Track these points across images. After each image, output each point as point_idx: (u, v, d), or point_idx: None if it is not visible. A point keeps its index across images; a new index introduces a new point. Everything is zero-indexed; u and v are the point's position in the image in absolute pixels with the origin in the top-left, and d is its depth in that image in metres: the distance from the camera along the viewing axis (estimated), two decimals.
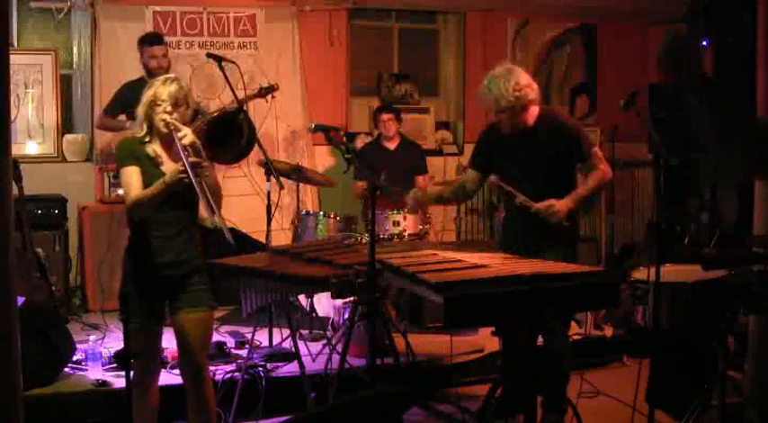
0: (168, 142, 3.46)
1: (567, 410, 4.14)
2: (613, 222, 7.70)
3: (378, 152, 6.58)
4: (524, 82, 4.13)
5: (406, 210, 5.73)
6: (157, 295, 3.55)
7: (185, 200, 3.48)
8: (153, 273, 3.50)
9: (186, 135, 3.37)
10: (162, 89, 3.42)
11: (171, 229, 3.51)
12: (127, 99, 5.69)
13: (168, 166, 3.45)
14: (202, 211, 3.53)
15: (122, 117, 5.83)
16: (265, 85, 5.86)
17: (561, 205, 4.12)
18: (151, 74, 5.65)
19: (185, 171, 3.26)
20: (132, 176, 3.42)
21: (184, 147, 3.33)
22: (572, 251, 4.21)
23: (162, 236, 3.49)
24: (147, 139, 3.49)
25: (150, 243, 3.49)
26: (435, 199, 4.77)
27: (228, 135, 3.87)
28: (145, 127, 3.48)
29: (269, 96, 5.78)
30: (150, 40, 5.82)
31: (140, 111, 3.49)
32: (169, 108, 3.40)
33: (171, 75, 3.58)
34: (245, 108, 3.44)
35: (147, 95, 3.46)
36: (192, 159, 3.29)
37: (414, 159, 6.67)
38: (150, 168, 3.46)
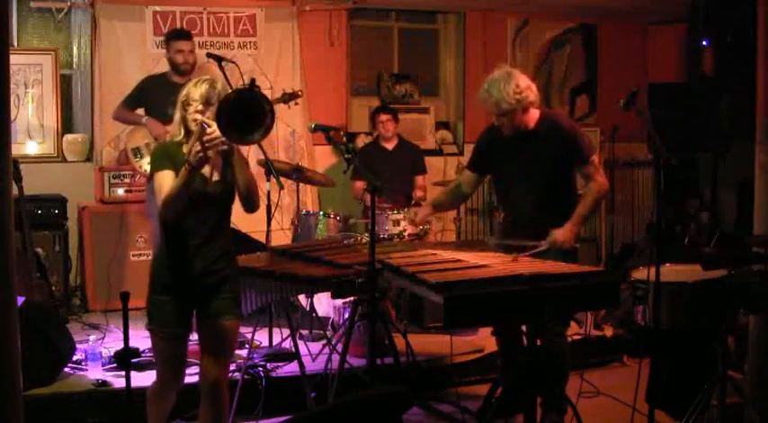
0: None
1: (566, 410, 4.14)
2: (613, 222, 7.70)
3: (376, 153, 6.58)
4: (524, 85, 4.14)
5: (406, 210, 5.73)
6: (187, 303, 3.49)
7: (216, 207, 3.45)
8: (183, 281, 3.44)
9: (215, 130, 3.25)
10: (193, 90, 3.41)
11: (201, 238, 3.43)
12: (148, 92, 5.70)
13: (206, 170, 3.37)
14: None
15: (140, 111, 5.77)
16: (289, 90, 5.85)
17: (566, 233, 4.12)
18: (177, 69, 5.66)
19: (203, 148, 3.20)
20: (165, 180, 3.34)
21: (203, 124, 3.26)
22: (570, 253, 4.21)
23: (193, 244, 3.42)
24: (184, 141, 3.43)
25: (181, 252, 3.42)
26: (434, 211, 4.75)
27: (250, 114, 3.87)
28: (182, 130, 3.44)
29: (291, 103, 5.76)
30: (177, 35, 5.78)
31: (176, 115, 3.46)
32: (200, 107, 3.37)
33: (205, 76, 3.57)
34: (256, 84, 3.43)
35: (180, 97, 3.44)
36: (209, 131, 3.22)
37: (412, 160, 6.67)
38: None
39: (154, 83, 5.74)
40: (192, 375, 4.52)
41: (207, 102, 3.37)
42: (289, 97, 5.79)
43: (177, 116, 3.46)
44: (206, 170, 3.33)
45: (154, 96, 5.56)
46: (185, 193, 3.28)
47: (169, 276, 3.43)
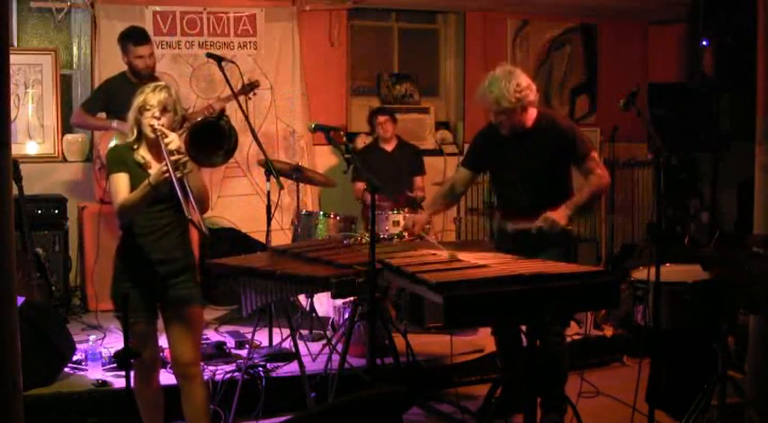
0: (156, 148, 3.55)
1: (566, 410, 4.14)
2: (613, 222, 7.70)
3: (375, 155, 6.58)
4: (525, 84, 4.14)
5: (406, 210, 5.73)
6: (152, 291, 3.65)
7: (174, 201, 3.53)
8: (145, 269, 3.60)
9: (173, 141, 3.47)
10: (151, 96, 3.54)
11: (159, 230, 3.60)
12: (110, 95, 5.64)
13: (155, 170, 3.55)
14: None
15: (101, 114, 5.75)
16: (252, 82, 5.84)
17: (558, 215, 4.12)
18: (137, 74, 5.60)
19: (168, 171, 3.37)
20: (120, 183, 3.53)
21: (169, 150, 3.43)
22: (565, 253, 4.21)
23: (151, 235, 3.59)
24: (135, 146, 3.60)
25: (139, 243, 3.59)
26: (431, 214, 4.76)
27: (212, 140, 4.04)
28: (135, 132, 3.59)
29: (251, 94, 5.75)
30: (136, 40, 5.62)
31: (130, 117, 3.60)
32: (157, 114, 3.52)
33: (161, 82, 3.72)
34: (225, 114, 3.56)
35: (136, 101, 3.58)
36: (174, 158, 3.39)
37: (411, 160, 6.67)
38: (139, 173, 3.55)
39: (115, 85, 5.67)
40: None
41: (164, 109, 3.53)
42: (249, 88, 5.77)
43: (131, 119, 3.59)
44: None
45: (117, 99, 5.43)
46: (143, 205, 3.50)
47: (132, 266, 3.61)
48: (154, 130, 3.49)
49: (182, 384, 3.74)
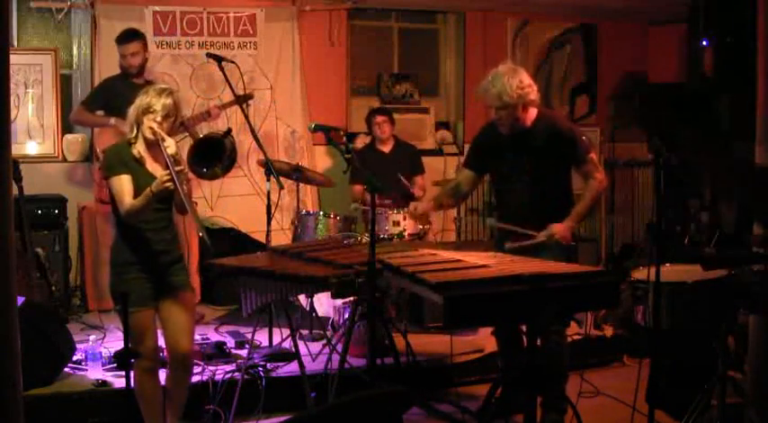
0: (152, 146, 3.69)
1: (567, 410, 4.14)
2: (613, 222, 7.70)
3: (373, 156, 6.55)
4: (527, 82, 4.17)
5: (406, 210, 5.73)
6: (155, 280, 3.76)
7: (167, 199, 3.72)
8: (148, 260, 3.73)
9: (170, 146, 3.60)
10: (156, 100, 3.64)
11: (159, 224, 3.77)
12: (109, 93, 5.67)
13: (151, 165, 3.71)
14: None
15: (100, 112, 5.77)
16: (241, 93, 5.85)
17: (563, 228, 4.15)
18: (126, 71, 5.69)
19: (171, 179, 3.50)
20: (124, 185, 3.64)
21: (170, 156, 3.56)
22: (565, 253, 4.21)
23: (153, 229, 3.75)
24: (134, 141, 3.70)
25: (140, 238, 3.72)
26: (436, 208, 4.76)
27: (211, 155, 4.21)
28: (134, 130, 3.69)
29: (245, 105, 5.78)
30: (119, 38, 5.75)
31: (131, 115, 3.69)
32: (159, 118, 3.62)
33: (167, 86, 3.81)
34: (231, 134, 3.73)
35: (140, 101, 3.66)
36: (177, 168, 3.54)
37: (409, 160, 6.66)
38: (136, 169, 3.68)
39: (114, 84, 5.71)
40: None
41: (167, 115, 3.65)
42: (243, 99, 5.80)
43: (132, 117, 3.69)
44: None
45: (116, 97, 5.48)
46: (148, 210, 3.64)
47: (133, 257, 3.72)
48: (154, 132, 3.60)
49: (175, 375, 3.87)
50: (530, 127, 4.25)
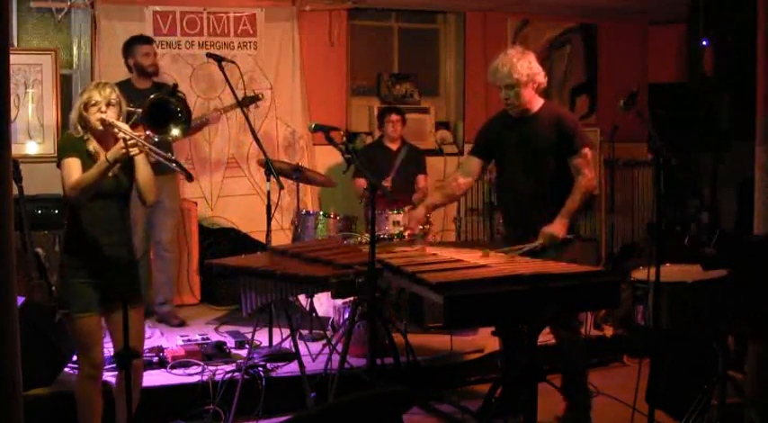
0: (104, 140, 3.70)
1: (591, 406, 4.31)
2: (613, 222, 7.70)
3: (380, 152, 6.62)
4: (536, 66, 4.32)
5: (406, 209, 5.74)
6: (102, 285, 3.71)
7: (121, 199, 3.74)
8: (95, 262, 3.68)
9: (124, 129, 3.60)
10: (95, 92, 3.68)
11: (112, 226, 3.72)
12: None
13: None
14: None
15: None
16: (250, 94, 5.86)
17: (556, 229, 4.21)
18: (144, 71, 5.75)
19: (125, 147, 3.49)
20: (73, 167, 3.63)
21: (122, 137, 3.55)
22: (562, 252, 4.22)
23: (104, 231, 3.70)
24: (86, 137, 3.70)
25: (93, 237, 3.68)
26: (429, 212, 4.79)
27: (164, 119, 4.19)
28: (80, 129, 3.70)
29: (252, 106, 5.78)
30: (143, 39, 5.86)
31: (73, 115, 3.72)
32: (103, 108, 3.65)
33: (103, 81, 3.85)
34: (179, 88, 3.73)
35: (80, 100, 3.70)
36: (129, 138, 3.53)
37: (414, 160, 6.70)
38: (90, 163, 3.65)
39: (120, 90, 5.74)
40: (184, 375, 4.53)
41: (108, 103, 3.67)
42: (249, 101, 5.80)
43: (75, 116, 3.71)
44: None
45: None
46: (100, 182, 3.57)
47: (80, 260, 3.69)
48: (103, 121, 3.62)
49: (123, 379, 3.71)
50: (536, 112, 4.37)
